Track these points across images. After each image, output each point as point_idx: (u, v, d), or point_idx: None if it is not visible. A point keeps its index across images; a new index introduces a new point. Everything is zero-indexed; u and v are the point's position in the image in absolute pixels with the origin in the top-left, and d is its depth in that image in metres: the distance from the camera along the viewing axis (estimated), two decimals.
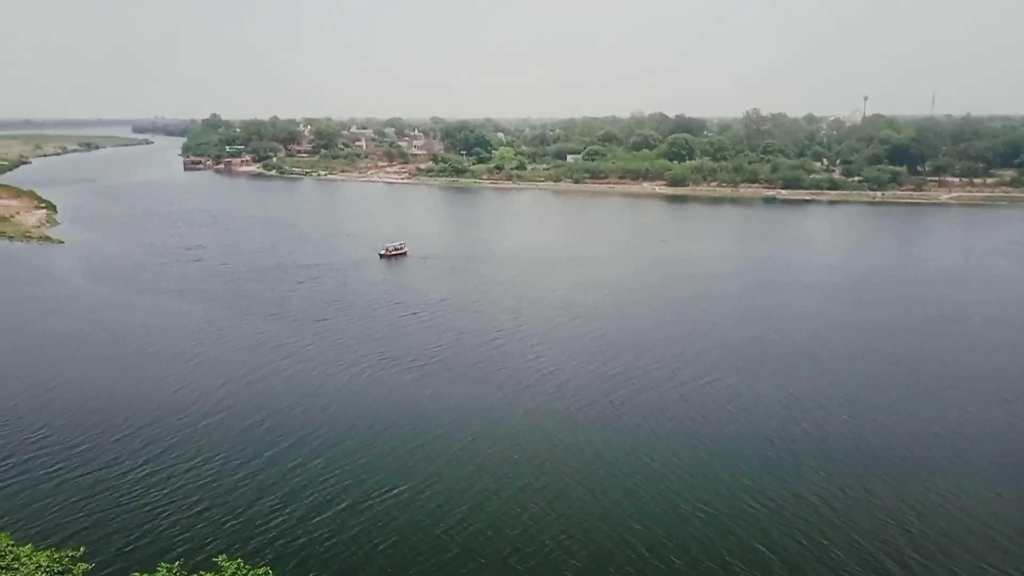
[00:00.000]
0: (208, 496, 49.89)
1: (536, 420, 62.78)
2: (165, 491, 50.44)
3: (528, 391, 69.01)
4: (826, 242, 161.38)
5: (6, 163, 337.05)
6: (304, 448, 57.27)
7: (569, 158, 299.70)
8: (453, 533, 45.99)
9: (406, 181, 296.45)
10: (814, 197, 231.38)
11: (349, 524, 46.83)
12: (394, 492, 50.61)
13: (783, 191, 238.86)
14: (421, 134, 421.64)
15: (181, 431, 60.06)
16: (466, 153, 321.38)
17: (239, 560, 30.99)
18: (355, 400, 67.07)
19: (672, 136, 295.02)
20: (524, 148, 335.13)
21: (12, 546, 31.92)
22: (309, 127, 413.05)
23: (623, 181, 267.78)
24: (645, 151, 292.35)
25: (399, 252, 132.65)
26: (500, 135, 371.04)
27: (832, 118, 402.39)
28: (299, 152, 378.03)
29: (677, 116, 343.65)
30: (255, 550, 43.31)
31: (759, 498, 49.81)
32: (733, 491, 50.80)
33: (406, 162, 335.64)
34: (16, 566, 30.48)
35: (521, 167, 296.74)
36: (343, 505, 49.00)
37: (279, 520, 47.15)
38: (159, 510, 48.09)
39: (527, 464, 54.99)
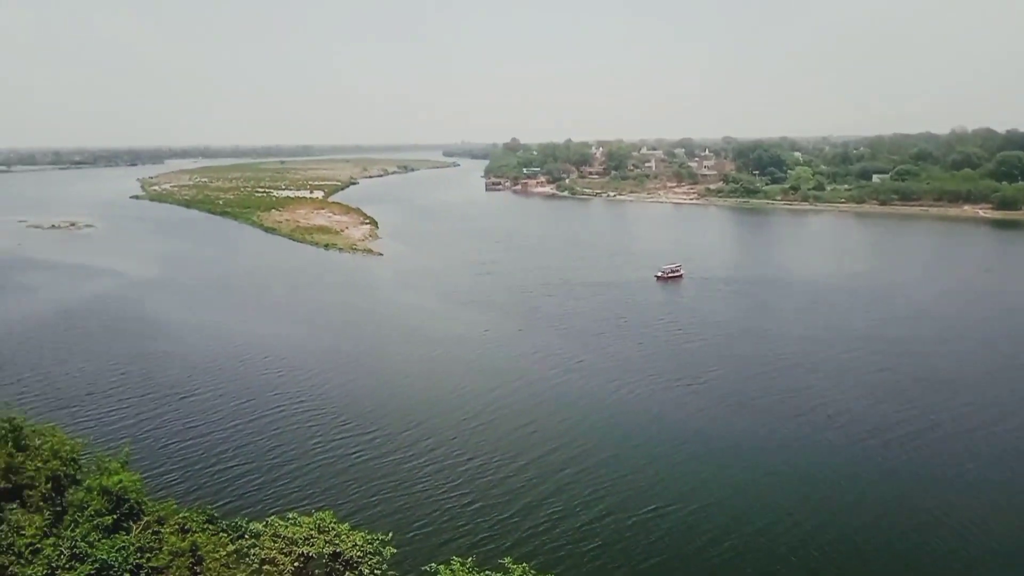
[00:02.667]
0: (479, 493, 52.72)
1: (796, 450, 58.90)
2: (443, 484, 54.17)
3: (794, 421, 64.74)
4: None
5: (339, 183, 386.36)
6: (566, 456, 58.57)
7: (875, 178, 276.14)
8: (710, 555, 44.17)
9: (694, 202, 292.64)
10: None
11: (608, 535, 47.07)
12: (650, 508, 50.23)
13: None
14: (712, 154, 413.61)
15: (458, 429, 64.32)
16: (759, 173, 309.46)
17: (524, 564, 31.66)
18: (618, 414, 67.36)
19: (1002, 154, 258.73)
20: (823, 167, 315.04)
21: (335, 523, 35.45)
22: (600, 149, 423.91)
23: (939, 204, 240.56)
24: (967, 170, 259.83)
25: (675, 275, 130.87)
26: (797, 154, 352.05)
27: None
28: (591, 173, 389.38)
29: (1008, 131, 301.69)
30: (524, 549, 44.85)
31: None
32: None
33: (695, 183, 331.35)
34: (337, 542, 33.82)
35: (819, 188, 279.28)
36: (602, 515, 49.39)
37: (542, 523, 48.51)
38: (438, 501, 51.64)
39: (780, 493, 51.94)
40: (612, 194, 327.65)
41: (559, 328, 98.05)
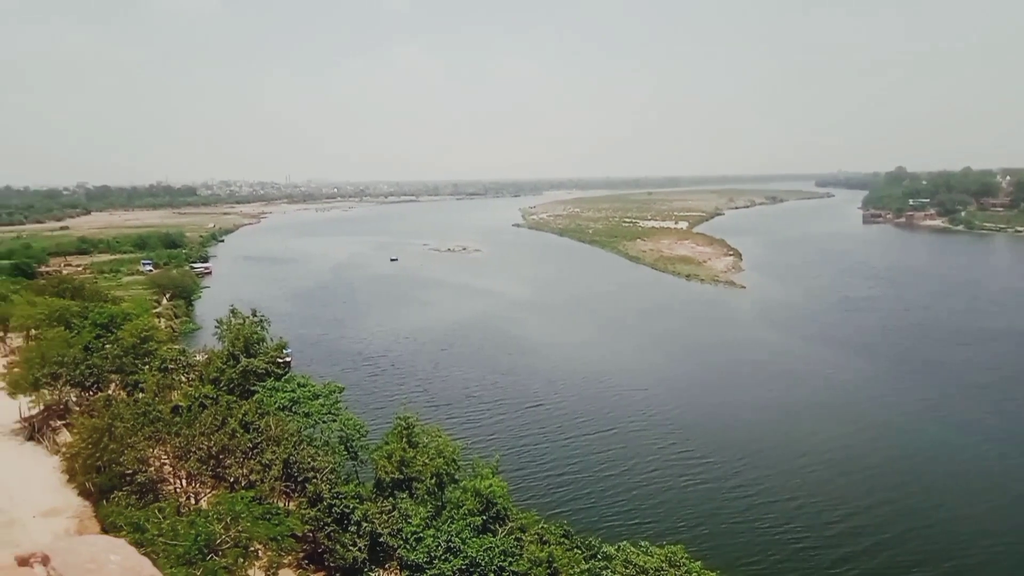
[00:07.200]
0: (817, 539, 50.31)
1: None
2: (779, 523, 52.59)
3: None
4: None
5: (703, 214, 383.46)
6: (893, 514, 54.10)
7: None
8: None
9: None
10: None
11: None
12: None
13: None
14: None
15: (790, 469, 62.11)
16: None
17: None
18: (1000, 488, 58.94)
19: None
20: None
21: (686, 559, 35.29)
22: (1008, 178, 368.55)
23: None
24: None
25: None
26: None
27: None
28: (993, 205, 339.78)
29: None
30: None
31: None
32: None
33: None
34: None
35: None
36: None
37: None
38: (774, 541, 50.13)
39: None
40: (1021, 229, 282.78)
41: (933, 377, 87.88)
